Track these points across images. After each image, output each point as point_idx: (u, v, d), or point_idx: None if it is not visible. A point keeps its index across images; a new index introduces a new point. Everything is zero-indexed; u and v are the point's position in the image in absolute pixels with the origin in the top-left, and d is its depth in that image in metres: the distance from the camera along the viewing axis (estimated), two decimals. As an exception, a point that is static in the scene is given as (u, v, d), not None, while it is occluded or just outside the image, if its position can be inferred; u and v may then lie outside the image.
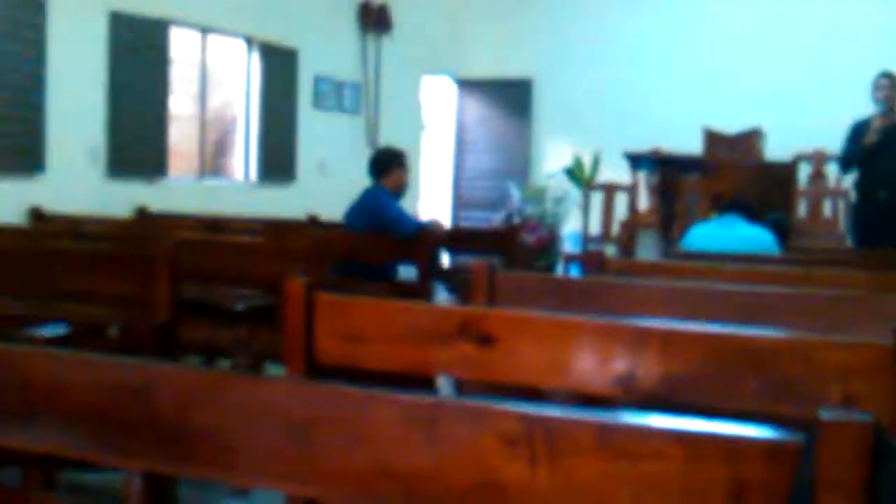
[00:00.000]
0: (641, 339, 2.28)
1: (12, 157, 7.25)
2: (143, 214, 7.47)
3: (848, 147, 7.73)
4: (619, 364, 2.28)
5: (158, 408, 1.71)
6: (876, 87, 7.66)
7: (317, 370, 2.54)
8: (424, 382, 3.62)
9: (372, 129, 10.99)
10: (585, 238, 10.33)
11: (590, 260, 4.43)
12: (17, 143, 7.29)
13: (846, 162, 7.82)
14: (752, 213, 5.58)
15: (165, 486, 3.13)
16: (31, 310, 4.27)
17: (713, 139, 9.83)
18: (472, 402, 1.41)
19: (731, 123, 9.94)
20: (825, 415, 1.20)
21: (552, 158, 11.88)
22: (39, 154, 7.38)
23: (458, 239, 7.18)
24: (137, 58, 8.27)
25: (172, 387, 1.72)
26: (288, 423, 1.59)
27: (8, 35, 7.13)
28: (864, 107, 7.96)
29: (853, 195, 7.93)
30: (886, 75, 7.68)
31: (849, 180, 8.24)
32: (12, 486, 3.10)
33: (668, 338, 2.26)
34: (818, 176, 10.20)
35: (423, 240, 5.56)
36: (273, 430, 1.61)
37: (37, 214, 6.99)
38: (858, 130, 7.66)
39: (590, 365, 2.33)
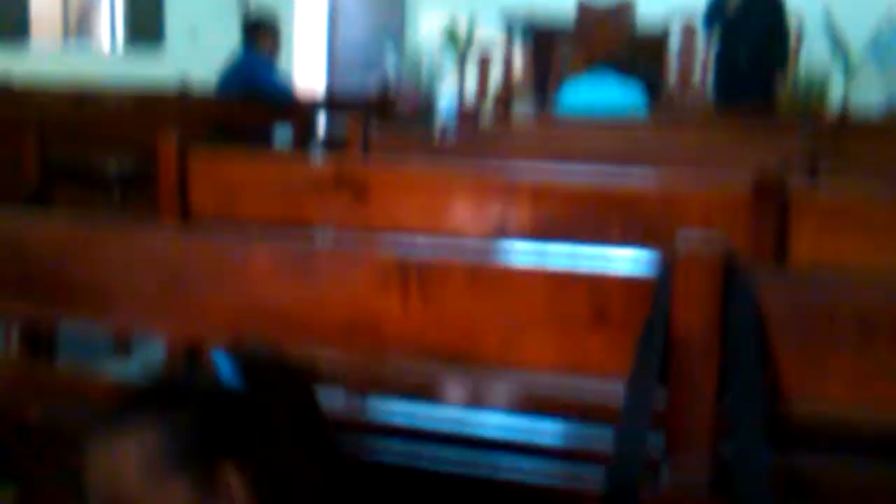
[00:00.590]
0: (513, 189, 2.34)
1: None
2: (7, 82, 7.20)
3: (711, 3, 7.88)
4: (492, 214, 2.34)
5: (34, 258, 1.71)
6: None
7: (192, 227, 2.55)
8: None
9: (243, -5, 10.72)
10: (462, 106, 10.32)
11: (464, 122, 4.48)
12: None
13: (708, 18, 7.98)
14: (622, 69, 5.66)
15: (44, 339, 3.13)
16: None
17: (586, 12, 9.84)
18: (345, 243, 1.45)
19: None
20: (679, 240, 1.27)
21: (428, 21, 11.75)
22: None
23: (331, 105, 7.12)
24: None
25: (48, 237, 1.72)
26: (164, 270, 1.61)
27: None
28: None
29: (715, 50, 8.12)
30: None
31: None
32: None
33: (538, 187, 2.32)
34: (688, 47, 10.31)
35: (299, 104, 5.51)
36: (150, 276, 1.63)
37: None
38: None
39: (463, 216, 2.38)
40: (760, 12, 7.66)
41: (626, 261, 1.36)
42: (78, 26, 9.28)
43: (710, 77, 9.63)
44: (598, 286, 1.35)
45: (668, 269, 1.29)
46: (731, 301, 1.26)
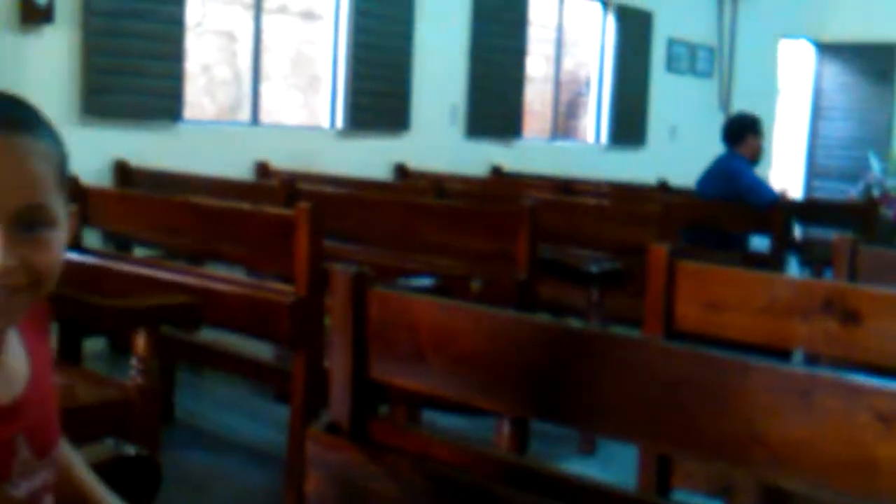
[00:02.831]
0: None
1: (382, 117, 7.73)
2: (498, 173, 7.76)
3: None
4: None
5: (533, 360, 1.85)
6: None
7: (674, 336, 2.62)
8: (780, 356, 3.60)
9: (725, 94, 10.82)
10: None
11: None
12: (387, 104, 7.77)
13: None
14: None
15: (524, 437, 3.32)
16: (398, 260, 4.59)
17: None
18: (846, 377, 1.45)
19: None
20: None
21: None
22: (405, 113, 7.84)
23: (811, 210, 6.99)
24: (497, 22, 8.56)
25: (547, 341, 1.85)
26: (654, 383, 1.68)
27: (381, 2, 7.60)
28: None
29: None
30: None
31: None
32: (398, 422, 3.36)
33: None
34: None
35: (779, 210, 5.47)
36: (639, 388, 1.70)
37: (401, 170, 7.42)
38: None
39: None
40: None
41: None
42: (566, 123, 9.78)
43: None
44: None
45: None
46: None
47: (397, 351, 2.00)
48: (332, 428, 2.04)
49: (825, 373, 1.49)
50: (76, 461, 1.62)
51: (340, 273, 2.01)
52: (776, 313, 2.51)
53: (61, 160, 1.32)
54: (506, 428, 2.96)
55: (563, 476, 1.95)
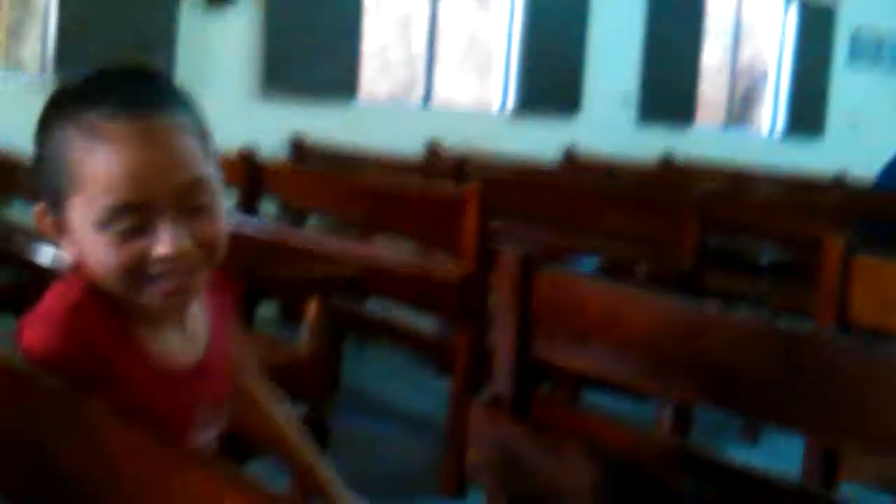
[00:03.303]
0: None
1: (553, 100, 7.74)
2: (668, 161, 7.66)
3: None
4: None
5: (699, 346, 1.84)
6: None
7: (846, 331, 2.57)
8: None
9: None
10: None
11: None
12: (558, 88, 7.77)
13: None
14: None
15: (688, 422, 3.31)
16: (567, 241, 4.60)
17: None
18: None
19: None
20: None
21: None
22: (577, 97, 7.82)
23: None
24: (674, 10, 8.45)
25: (712, 328, 1.84)
26: (826, 376, 1.66)
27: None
28: None
29: None
30: None
31: None
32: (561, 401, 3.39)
33: None
34: None
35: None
36: (809, 380, 1.68)
37: (570, 154, 7.41)
38: None
39: None
40: None
41: None
42: (741, 113, 9.59)
43: None
44: None
45: None
46: None
47: (561, 331, 2.02)
48: (496, 402, 2.08)
49: None
50: (268, 399, 1.72)
51: (508, 254, 2.05)
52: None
53: (202, 127, 1.34)
54: (668, 413, 2.95)
55: (726, 463, 1.94)
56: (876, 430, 1.58)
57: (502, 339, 2.07)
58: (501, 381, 2.07)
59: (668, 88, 8.48)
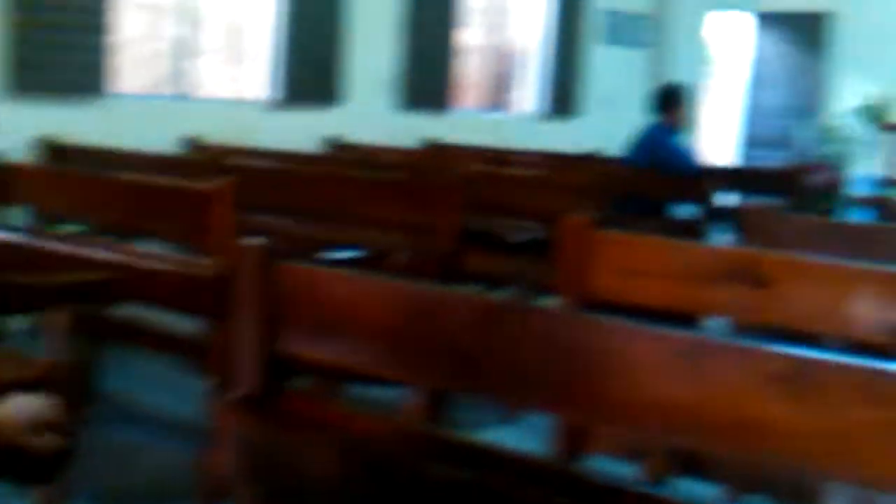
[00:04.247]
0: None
1: (315, 90, 7.70)
2: (431, 146, 7.75)
3: None
4: (889, 312, 2.26)
5: (444, 331, 1.86)
6: None
7: (588, 304, 2.64)
8: (689, 323, 3.66)
9: (659, 65, 10.87)
10: (877, 181, 9.89)
11: (877, 204, 4.32)
12: (319, 76, 7.73)
13: None
14: None
15: (442, 406, 3.34)
16: (327, 233, 4.58)
17: None
18: (736, 341, 1.47)
19: None
20: None
21: (846, 97, 11.38)
22: (338, 86, 7.81)
23: (741, 178, 7.08)
24: (430, -9, 8.55)
25: (457, 312, 1.86)
26: (558, 352, 1.70)
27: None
28: None
29: None
30: None
31: None
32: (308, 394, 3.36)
33: (949, 290, 2.22)
34: None
35: (703, 179, 5.53)
36: (544, 357, 1.72)
37: (333, 143, 7.39)
38: None
39: (864, 312, 2.32)
40: None
41: None
42: (501, 94, 9.79)
43: None
44: None
45: None
46: None
47: (306, 323, 2.00)
48: (245, 401, 2.04)
49: (715, 338, 1.52)
50: None
51: (247, 247, 2.01)
52: (689, 280, 2.55)
53: None
54: (418, 399, 2.98)
55: (476, 445, 1.97)
56: (603, 402, 1.63)
57: (246, 335, 2.03)
58: (248, 378, 2.03)
59: (428, 73, 8.57)
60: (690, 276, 2.54)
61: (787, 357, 1.40)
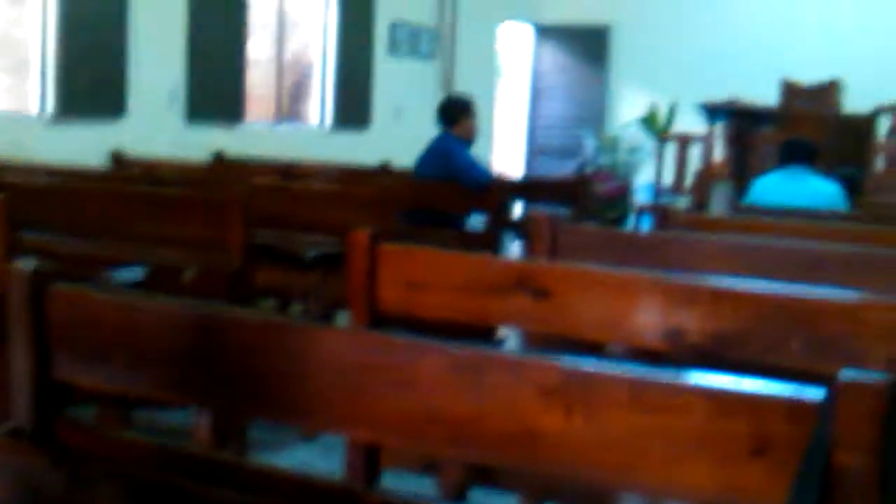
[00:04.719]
0: (692, 295, 2.34)
1: (97, 102, 7.45)
2: (219, 159, 7.62)
3: None
4: (670, 319, 2.35)
5: (223, 351, 1.82)
6: None
7: (380, 318, 2.64)
8: (485, 333, 3.71)
9: (447, 76, 11.03)
10: (658, 190, 10.32)
11: (656, 213, 4.48)
12: (101, 89, 7.49)
13: None
14: (812, 158, 5.58)
15: (234, 427, 3.28)
16: (110, 251, 4.42)
17: (791, 91, 9.71)
18: (513, 353, 1.50)
19: (809, 75, 9.81)
20: (843, 375, 1.26)
21: (628, 108, 11.82)
22: (121, 98, 7.58)
23: (529, 188, 7.24)
24: (216, 4, 8.40)
25: (237, 332, 1.83)
26: (343, 370, 1.69)
27: (91, -19, 7.31)
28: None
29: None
30: None
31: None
32: (87, 423, 3.25)
33: (717, 295, 2.32)
34: (899, 129, 10.03)
35: (494, 189, 5.62)
36: (329, 376, 1.71)
37: (117, 158, 7.17)
38: None
39: (641, 320, 2.39)
40: None
41: (788, 390, 1.35)
42: (291, 107, 9.73)
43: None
44: (759, 413, 1.35)
45: (830, 401, 1.28)
46: (894, 437, 1.24)
47: (81, 349, 1.93)
48: (16, 433, 1.94)
49: (492, 350, 1.54)
50: None
51: (17, 270, 1.92)
52: (474, 292, 2.58)
53: None
54: (206, 422, 2.91)
55: (258, 469, 1.93)
56: (381, 416, 1.62)
57: (16, 363, 1.93)
58: (19, 408, 1.94)
59: (215, 85, 8.42)
60: (474, 287, 2.57)
61: (557, 368, 1.43)
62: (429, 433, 1.60)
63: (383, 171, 6.78)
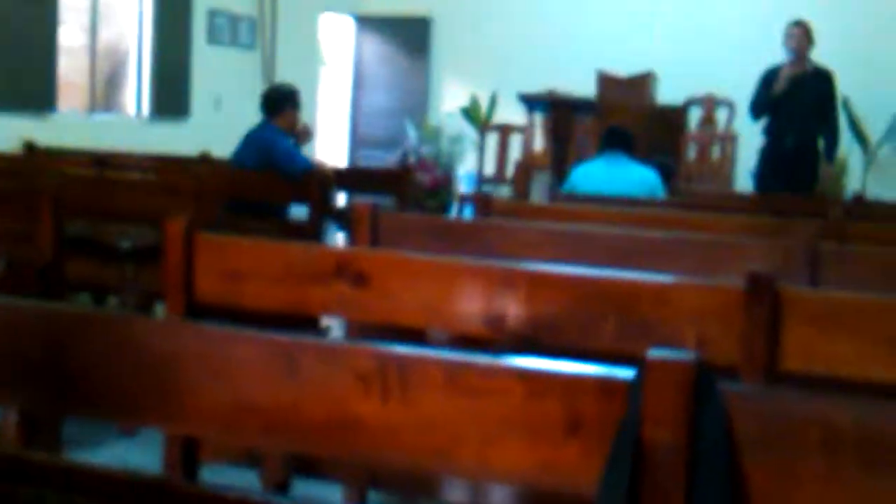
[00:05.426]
0: (510, 280, 2.37)
1: None
2: (30, 150, 7.32)
3: (758, 94, 7.84)
4: (489, 305, 2.37)
5: (32, 346, 1.75)
6: (787, 35, 7.76)
7: (197, 309, 2.58)
8: (309, 323, 3.68)
9: (268, 66, 10.89)
10: (480, 179, 10.44)
11: (477, 201, 4.53)
12: None
13: (756, 108, 7.90)
14: (630, 145, 5.74)
15: (46, 423, 3.15)
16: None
17: (607, 82, 9.94)
18: (328, 340, 1.48)
19: (625, 67, 10.09)
20: (651, 354, 1.29)
21: (449, 98, 11.91)
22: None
23: (352, 178, 7.21)
24: (23, -12, 8.09)
25: (45, 326, 1.75)
26: (156, 363, 1.64)
27: None
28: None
29: (763, 140, 8.06)
30: (797, 24, 7.78)
31: (755, 126, 8.32)
32: None
33: (534, 280, 2.35)
34: (708, 120, 10.42)
35: (314, 179, 5.58)
36: (142, 369, 1.65)
37: (-81, 149, 6.82)
38: (769, 78, 7.76)
39: (460, 306, 2.41)
40: (809, 101, 7.65)
41: (600, 370, 1.38)
42: (106, 96, 9.44)
43: (729, 151, 9.71)
44: (572, 394, 1.37)
45: (640, 381, 1.31)
46: (701, 415, 1.28)
47: None
48: None
49: (306, 337, 1.51)
50: None
51: None
52: (293, 280, 2.55)
53: None
54: (11, 419, 2.79)
55: (71, 466, 1.86)
56: (193, 408, 1.59)
57: None
58: None
59: (24, 74, 8.10)
60: (294, 276, 2.54)
61: (372, 353, 1.42)
62: (246, 424, 1.57)
63: (203, 161, 6.64)
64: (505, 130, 10.83)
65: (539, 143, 10.55)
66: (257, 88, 9.39)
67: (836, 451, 1.24)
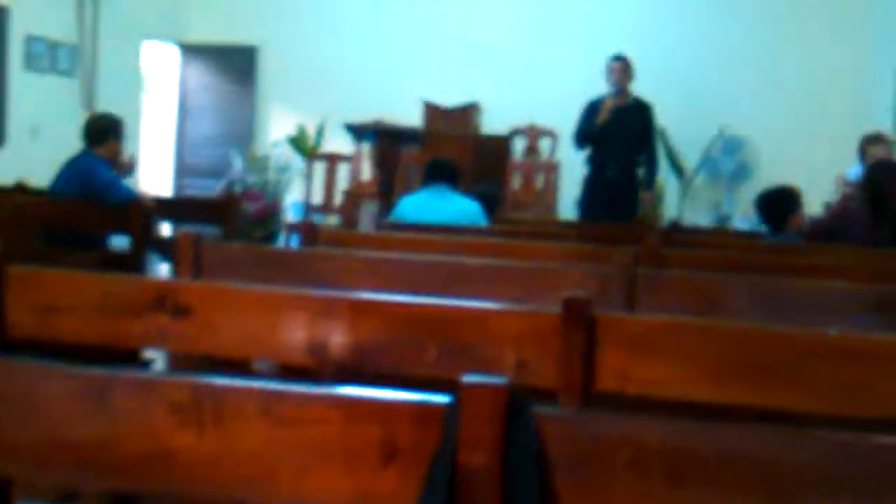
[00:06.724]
0: (333, 309, 2.37)
1: None
2: None
3: (582, 124, 8.07)
4: (312, 334, 2.36)
5: None
6: (609, 69, 8.03)
7: (8, 345, 2.50)
8: (129, 356, 3.60)
9: (88, 93, 10.62)
10: (308, 208, 10.40)
11: (303, 230, 4.52)
12: None
13: (580, 138, 8.13)
14: (454, 177, 5.84)
15: None
16: None
17: (432, 112, 10.08)
18: (142, 373, 1.45)
19: (452, 97, 10.23)
20: (466, 380, 1.32)
21: (276, 127, 11.84)
22: None
23: (176, 208, 7.09)
24: None
25: None
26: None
27: None
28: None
29: (586, 169, 8.28)
30: (619, 58, 8.05)
31: (577, 155, 8.55)
32: None
33: (357, 308, 2.36)
34: (532, 150, 10.65)
35: (136, 209, 5.46)
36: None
37: None
38: (592, 109, 8.01)
39: (284, 335, 2.39)
40: (630, 132, 7.92)
41: (417, 397, 1.40)
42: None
43: (553, 179, 9.95)
44: (389, 421, 1.38)
45: (455, 406, 1.33)
46: (512, 438, 1.31)
47: None
48: None
49: (119, 371, 1.48)
50: None
51: None
52: (111, 313, 2.49)
53: None
54: None
55: None
56: (21, 446, 1.54)
57: None
58: None
59: None
60: (112, 308, 2.48)
61: (187, 385, 1.41)
62: (58, 461, 1.53)
63: (18, 190, 6.42)
64: (332, 159, 10.83)
65: (367, 172, 10.58)
66: (77, 116, 9.16)
67: (644, 470, 1.28)
